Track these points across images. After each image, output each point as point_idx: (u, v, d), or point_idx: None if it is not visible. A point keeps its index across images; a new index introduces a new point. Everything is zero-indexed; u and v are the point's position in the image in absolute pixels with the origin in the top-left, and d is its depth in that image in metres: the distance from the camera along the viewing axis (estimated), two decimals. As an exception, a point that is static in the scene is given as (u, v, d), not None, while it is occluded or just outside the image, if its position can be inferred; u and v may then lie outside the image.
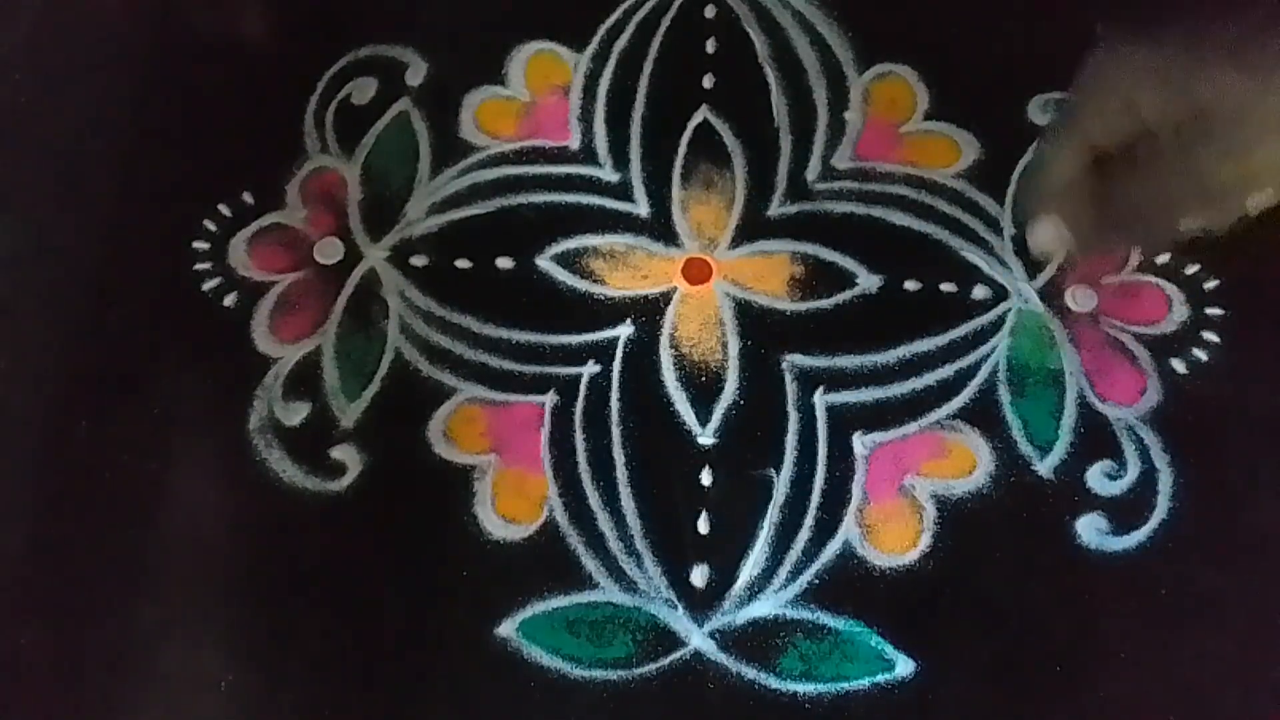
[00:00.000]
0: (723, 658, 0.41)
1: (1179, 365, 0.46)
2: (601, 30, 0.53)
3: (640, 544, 0.43)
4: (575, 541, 0.43)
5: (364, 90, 0.51)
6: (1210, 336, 0.46)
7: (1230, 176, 0.39)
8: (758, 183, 0.49)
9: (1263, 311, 0.47)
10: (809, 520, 0.43)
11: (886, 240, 0.48)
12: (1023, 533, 0.43)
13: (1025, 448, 0.44)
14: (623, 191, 0.49)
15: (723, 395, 0.45)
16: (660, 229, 0.49)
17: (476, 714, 0.41)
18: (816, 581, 0.42)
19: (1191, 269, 0.47)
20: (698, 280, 0.48)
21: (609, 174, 0.50)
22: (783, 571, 0.42)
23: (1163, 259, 0.47)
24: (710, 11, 0.53)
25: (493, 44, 0.52)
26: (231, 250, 0.48)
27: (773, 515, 0.43)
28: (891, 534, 0.43)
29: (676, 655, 0.41)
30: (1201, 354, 0.46)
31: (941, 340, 0.46)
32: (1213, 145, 0.38)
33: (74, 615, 0.42)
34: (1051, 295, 0.47)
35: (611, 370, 0.46)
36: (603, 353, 0.46)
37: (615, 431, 0.45)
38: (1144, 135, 0.39)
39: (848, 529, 0.43)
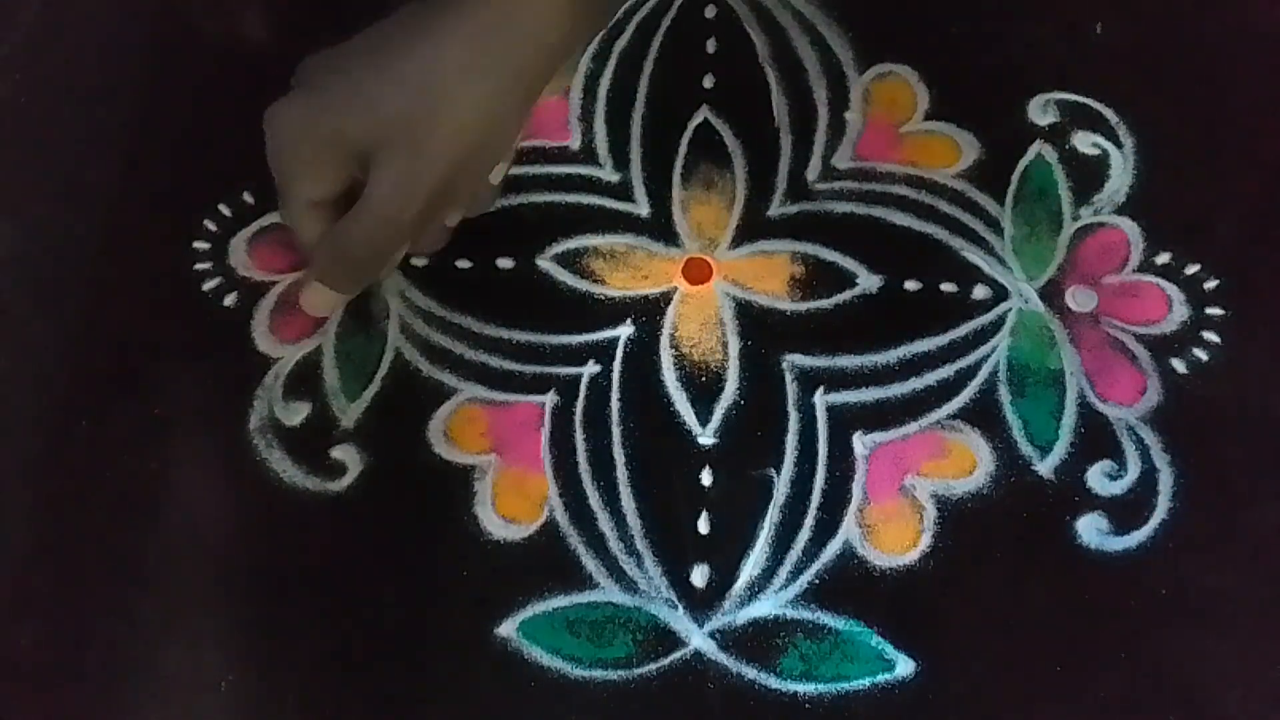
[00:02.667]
0: (723, 658, 0.41)
1: (1179, 365, 0.46)
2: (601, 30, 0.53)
3: (640, 544, 0.43)
4: (575, 541, 0.43)
5: (364, 90, 0.51)
6: (1210, 336, 0.46)
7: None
8: (758, 183, 0.49)
9: (1263, 311, 0.47)
10: (809, 520, 0.43)
11: (887, 240, 0.48)
12: (1023, 533, 0.43)
13: (1025, 448, 0.44)
14: (623, 191, 0.49)
15: (723, 395, 0.45)
16: (660, 229, 0.49)
17: (476, 714, 0.41)
18: (817, 581, 0.42)
19: (1191, 269, 0.47)
20: (698, 280, 0.48)
21: (609, 174, 0.50)
22: (783, 571, 0.42)
23: (1163, 259, 0.48)
24: (710, 11, 0.53)
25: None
26: (231, 250, 0.48)
27: (773, 515, 0.43)
28: (892, 534, 0.43)
29: (677, 655, 0.41)
30: (1201, 354, 0.46)
31: (941, 340, 0.46)
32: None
33: (74, 615, 0.42)
34: (1052, 295, 0.47)
35: (612, 370, 0.46)
36: (603, 353, 0.46)
37: (615, 431, 0.45)
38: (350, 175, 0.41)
39: (848, 529, 0.43)
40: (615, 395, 0.45)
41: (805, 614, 0.42)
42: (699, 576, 0.42)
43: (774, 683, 0.41)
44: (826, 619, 0.42)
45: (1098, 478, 0.44)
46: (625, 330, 0.46)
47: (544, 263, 0.48)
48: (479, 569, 0.42)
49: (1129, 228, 0.48)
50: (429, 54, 0.40)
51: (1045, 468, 0.44)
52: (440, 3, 0.41)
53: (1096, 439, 0.44)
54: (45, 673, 0.41)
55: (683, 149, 0.50)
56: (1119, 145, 0.50)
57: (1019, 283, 0.47)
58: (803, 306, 0.47)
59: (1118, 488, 0.44)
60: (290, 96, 0.41)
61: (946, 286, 0.47)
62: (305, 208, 0.42)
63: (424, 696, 0.41)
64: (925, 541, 0.43)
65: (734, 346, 0.46)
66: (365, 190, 0.41)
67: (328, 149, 0.41)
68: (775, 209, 0.49)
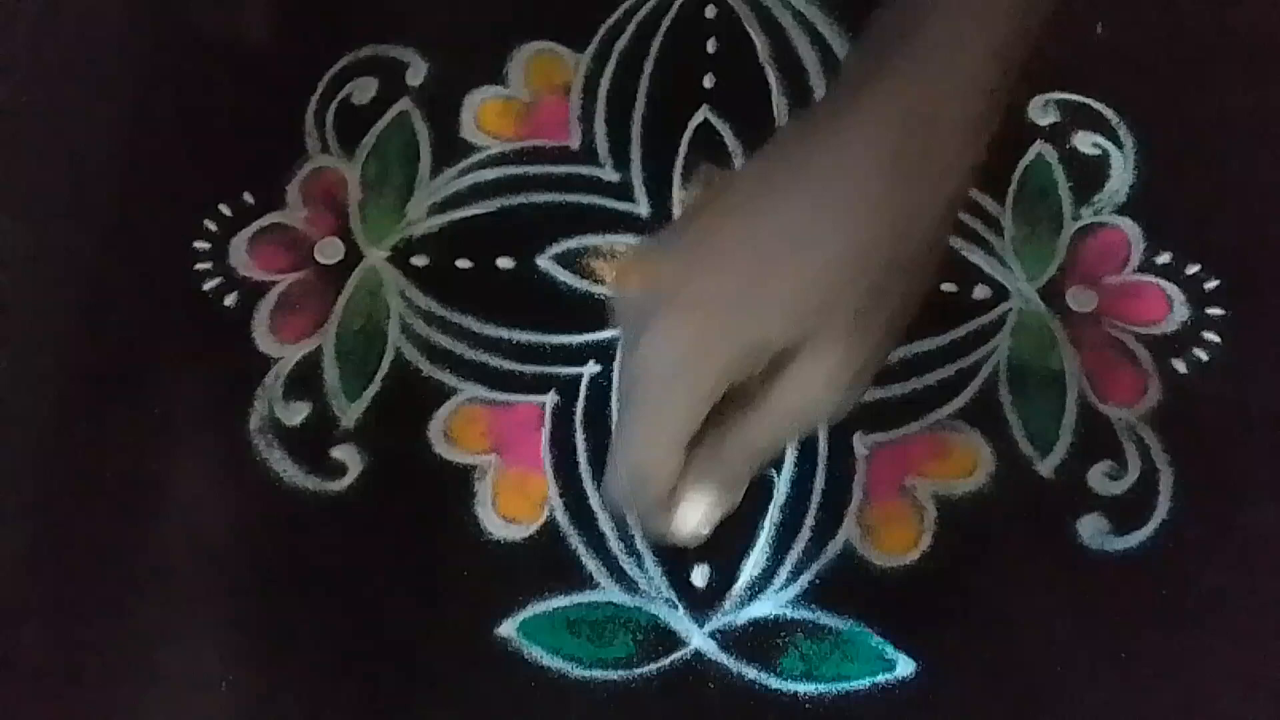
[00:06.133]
0: (723, 658, 0.41)
1: (1179, 365, 0.46)
2: (602, 30, 0.52)
3: (641, 544, 0.43)
4: (576, 541, 0.43)
5: (364, 90, 0.51)
6: (1210, 336, 0.46)
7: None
8: (758, 183, 0.49)
9: (1263, 311, 0.47)
10: (809, 520, 0.43)
11: (887, 240, 0.48)
12: (1023, 533, 0.43)
13: (1026, 448, 0.44)
14: (623, 191, 0.49)
15: (723, 395, 0.45)
16: (660, 229, 0.49)
17: (476, 714, 0.41)
18: (817, 581, 0.42)
19: (1191, 269, 0.47)
20: (698, 280, 0.47)
21: (609, 174, 0.50)
22: (783, 571, 0.42)
23: (1163, 259, 0.48)
24: (710, 11, 0.53)
25: (493, 44, 0.52)
26: (232, 250, 0.48)
27: (773, 515, 0.43)
28: (892, 534, 0.43)
29: (677, 655, 0.41)
30: (1202, 354, 0.46)
31: (942, 340, 0.46)
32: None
33: (74, 615, 0.42)
34: (1052, 295, 0.47)
35: (612, 370, 0.46)
36: (603, 353, 0.46)
37: (616, 431, 0.45)
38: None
39: (848, 529, 0.43)
40: (615, 395, 0.45)
41: (805, 614, 0.42)
42: (699, 576, 0.42)
43: (774, 683, 0.41)
44: (826, 619, 0.42)
45: (1098, 478, 0.44)
46: (625, 330, 0.46)
47: (544, 263, 0.48)
48: (479, 569, 0.42)
49: (1129, 228, 0.48)
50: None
51: (1045, 468, 0.44)
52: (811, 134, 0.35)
53: (1097, 439, 0.44)
54: (45, 673, 0.41)
55: (683, 149, 0.50)
56: (1119, 145, 0.50)
57: (1019, 283, 0.47)
58: (803, 306, 0.47)
59: (1118, 488, 0.44)
60: (669, 319, 0.33)
61: (946, 286, 0.47)
62: (684, 442, 0.34)
63: (424, 696, 0.41)
64: (925, 541, 0.43)
65: (734, 346, 0.46)
66: (777, 386, 0.33)
67: (742, 363, 0.33)
68: (775, 209, 0.49)
